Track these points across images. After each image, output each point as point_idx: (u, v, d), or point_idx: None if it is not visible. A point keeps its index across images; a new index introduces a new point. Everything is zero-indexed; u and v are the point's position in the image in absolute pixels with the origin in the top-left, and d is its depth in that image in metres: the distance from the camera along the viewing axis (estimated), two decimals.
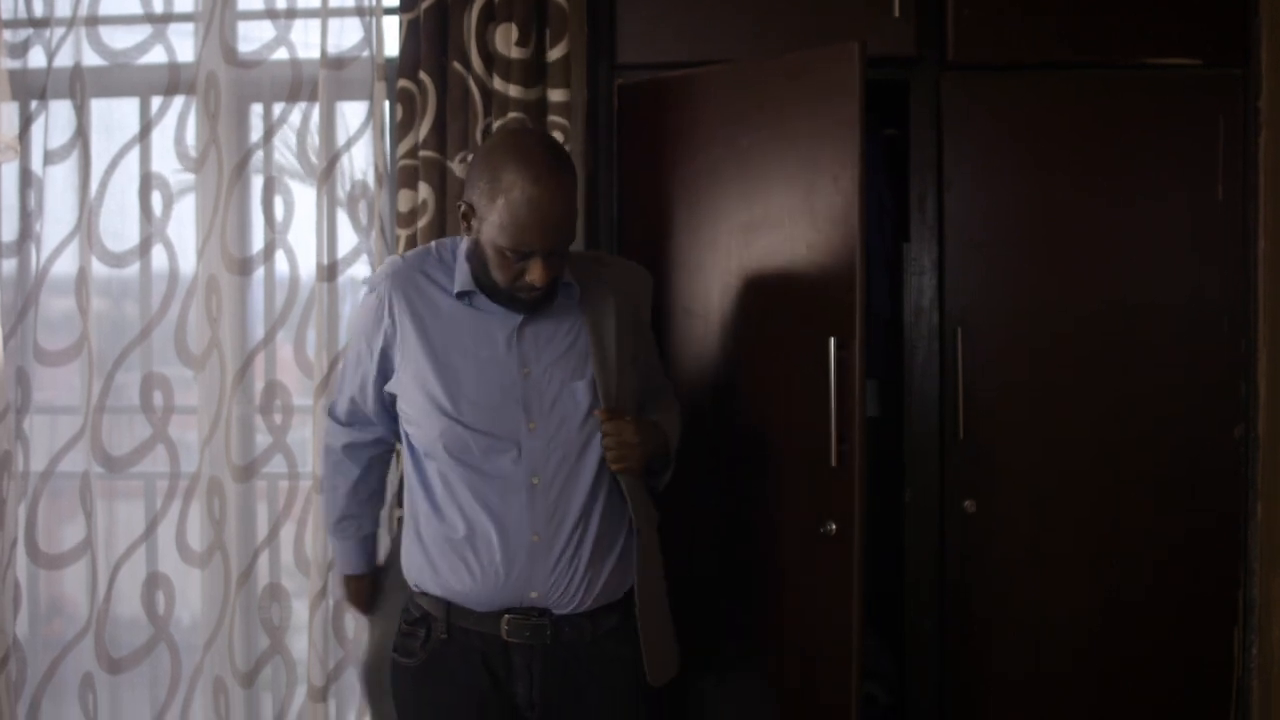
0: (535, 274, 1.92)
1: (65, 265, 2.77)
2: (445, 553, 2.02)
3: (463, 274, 2.02)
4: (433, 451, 2.03)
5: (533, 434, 1.99)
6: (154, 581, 2.84)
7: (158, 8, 2.79)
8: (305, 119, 2.78)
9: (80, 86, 2.75)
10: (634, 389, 2.09)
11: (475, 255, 1.97)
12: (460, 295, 2.02)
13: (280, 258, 2.81)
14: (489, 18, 2.66)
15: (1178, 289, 2.71)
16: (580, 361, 2.03)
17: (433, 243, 2.13)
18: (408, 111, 2.71)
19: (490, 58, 2.67)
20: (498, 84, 2.66)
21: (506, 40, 2.64)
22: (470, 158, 2.60)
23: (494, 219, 1.90)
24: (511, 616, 2.00)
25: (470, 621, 2.02)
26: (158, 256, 2.82)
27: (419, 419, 2.03)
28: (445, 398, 2.00)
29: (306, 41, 2.76)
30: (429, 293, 2.04)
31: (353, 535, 2.28)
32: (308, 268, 2.77)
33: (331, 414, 2.23)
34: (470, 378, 2.01)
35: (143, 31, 2.79)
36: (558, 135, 2.62)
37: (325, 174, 2.72)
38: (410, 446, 2.08)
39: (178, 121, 2.80)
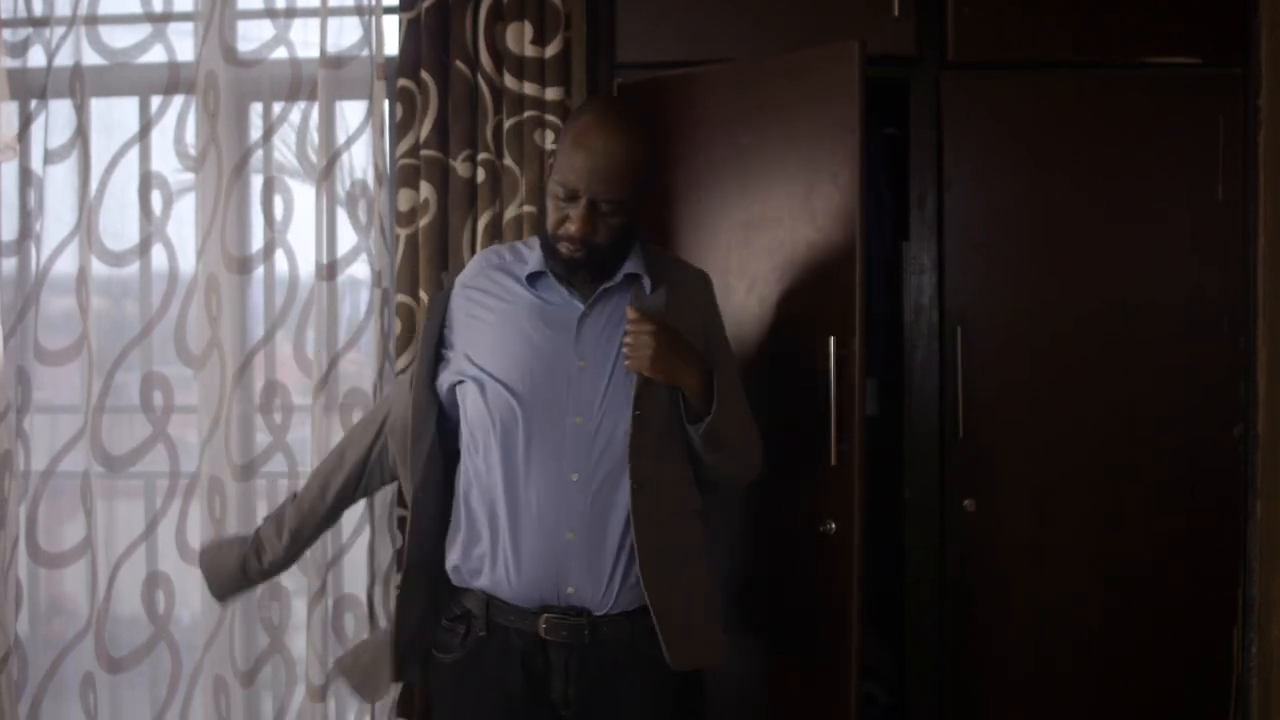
0: (574, 220, 1.91)
1: (65, 264, 2.77)
2: (483, 546, 2.00)
3: (536, 256, 2.03)
4: (477, 438, 2.01)
5: (579, 428, 1.96)
6: (154, 581, 2.84)
7: (157, 7, 2.79)
8: (305, 118, 2.78)
9: (80, 86, 2.75)
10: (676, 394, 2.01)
11: (543, 208, 2.01)
12: (532, 279, 2.02)
13: (280, 257, 2.80)
14: (497, 16, 2.67)
15: (1178, 288, 2.71)
16: None
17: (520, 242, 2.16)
18: (408, 110, 2.71)
19: (500, 56, 2.67)
20: (510, 82, 2.66)
21: (519, 39, 2.65)
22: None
23: (559, 157, 1.95)
24: (550, 615, 1.97)
25: (509, 619, 2.00)
26: (157, 256, 2.82)
27: (468, 398, 2.02)
28: (500, 379, 1.98)
29: (306, 41, 2.76)
30: (499, 280, 2.05)
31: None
32: (307, 267, 2.77)
33: None
34: (525, 364, 1.98)
35: (142, 31, 2.79)
36: (549, 133, 2.62)
37: (325, 173, 2.72)
38: (461, 438, 2.06)
39: (177, 121, 2.80)
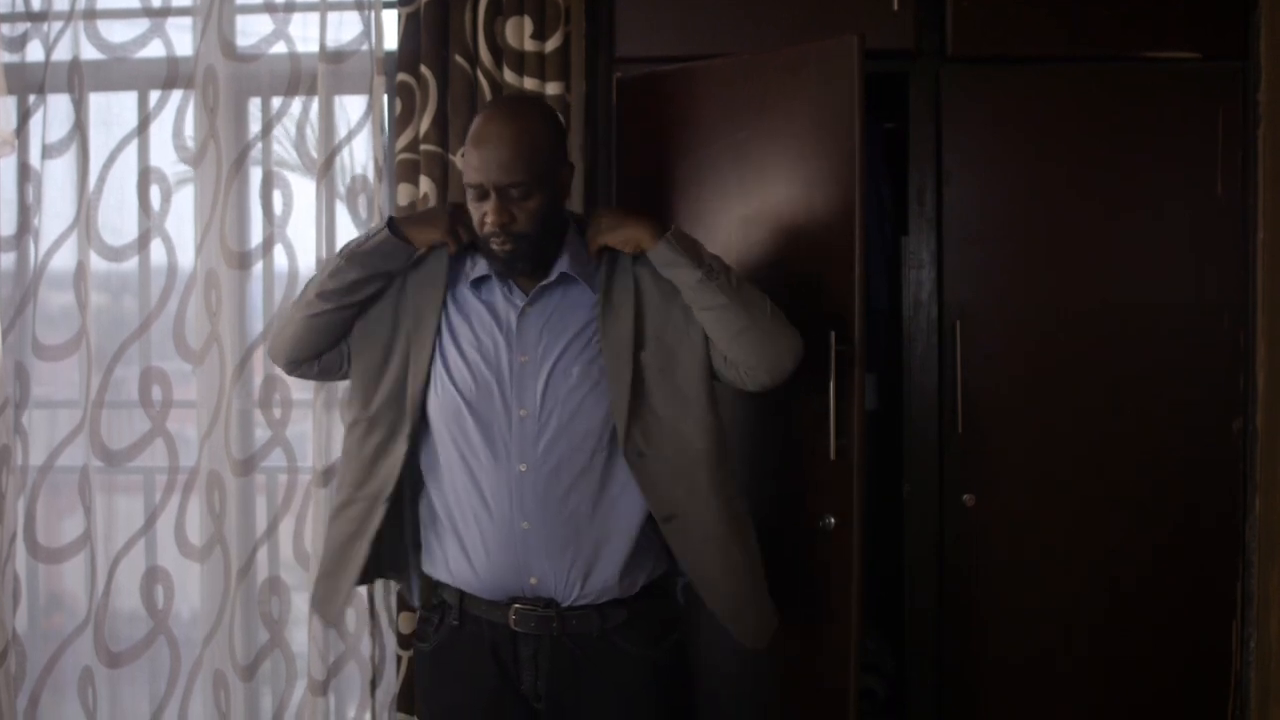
0: (490, 214, 1.95)
1: (64, 259, 2.77)
2: (449, 540, 2.05)
3: (481, 262, 2.07)
4: (434, 437, 2.06)
5: (522, 421, 2.00)
6: (153, 575, 2.84)
7: (155, 2, 2.78)
8: (304, 113, 2.77)
9: (78, 80, 2.74)
10: (663, 368, 2.04)
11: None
12: (475, 284, 2.06)
13: (279, 252, 2.80)
14: (496, 11, 2.66)
15: (1177, 283, 2.71)
16: (584, 346, 2.03)
17: None
18: (407, 105, 2.71)
19: (499, 51, 2.67)
20: (509, 77, 2.65)
21: (519, 33, 2.64)
22: None
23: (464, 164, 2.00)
24: (519, 606, 2.01)
25: (481, 610, 2.04)
26: (156, 251, 2.81)
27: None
28: (445, 382, 2.03)
29: (305, 35, 2.75)
30: (449, 278, 2.10)
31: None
32: (307, 262, 2.77)
33: None
34: (467, 364, 2.04)
35: (141, 25, 2.78)
36: None
37: (324, 168, 2.71)
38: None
39: (176, 115, 2.79)
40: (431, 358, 2.06)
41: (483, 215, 1.97)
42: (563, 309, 2.04)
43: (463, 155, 2.04)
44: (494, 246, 1.99)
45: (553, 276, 2.04)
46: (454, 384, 2.03)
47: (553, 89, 2.64)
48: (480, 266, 2.06)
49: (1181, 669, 2.73)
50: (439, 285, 2.09)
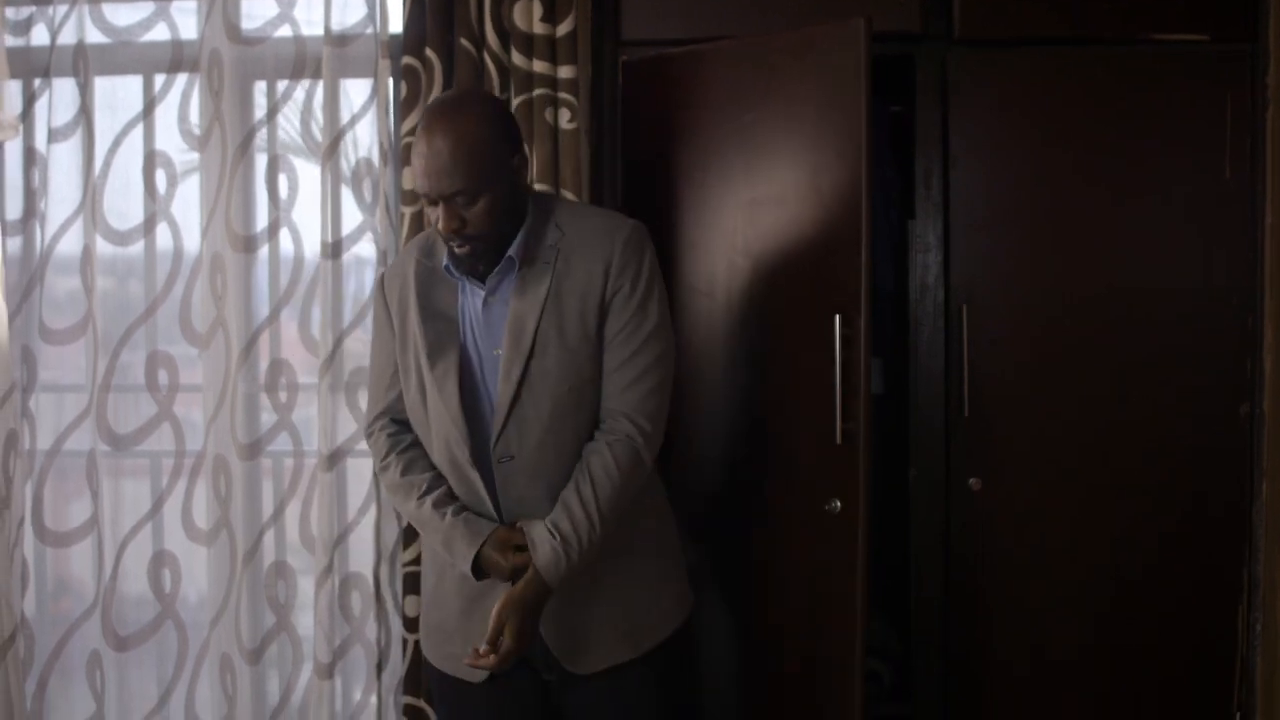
0: (440, 222, 1.94)
1: (70, 244, 2.77)
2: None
3: (443, 257, 2.07)
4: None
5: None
6: (160, 559, 2.84)
7: None
8: (309, 96, 2.77)
9: (84, 64, 2.74)
10: (570, 368, 2.01)
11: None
12: (448, 270, 2.05)
13: (285, 236, 2.80)
14: None
15: (1185, 267, 2.70)
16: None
17: None
18: (412, 89, 2.70)
19: (506, 34, 2.66)
20: (518, 59, 2.65)
21: (527, 16, 2.64)
22: None
23: None
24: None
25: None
26: (162, 235, 2.81)
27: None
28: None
29: (310, 19, 2.75)
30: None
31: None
32: (312, 246, 2.76)
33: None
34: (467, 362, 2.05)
35: (146, 9, 2.78)
36: (564, 111, 2.61)
37: (329, 151, 2.71)
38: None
39: (181, 99, 2.79)
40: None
41: (435, 219, 1.97)
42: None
43: None
44: (453, 248, 1.99)
45: (501, 263, 2.01)
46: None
47: (565, 73, 2.63)
48: (444, 260, 2.05)
49: (1188, 655, 2.73)
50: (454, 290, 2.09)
